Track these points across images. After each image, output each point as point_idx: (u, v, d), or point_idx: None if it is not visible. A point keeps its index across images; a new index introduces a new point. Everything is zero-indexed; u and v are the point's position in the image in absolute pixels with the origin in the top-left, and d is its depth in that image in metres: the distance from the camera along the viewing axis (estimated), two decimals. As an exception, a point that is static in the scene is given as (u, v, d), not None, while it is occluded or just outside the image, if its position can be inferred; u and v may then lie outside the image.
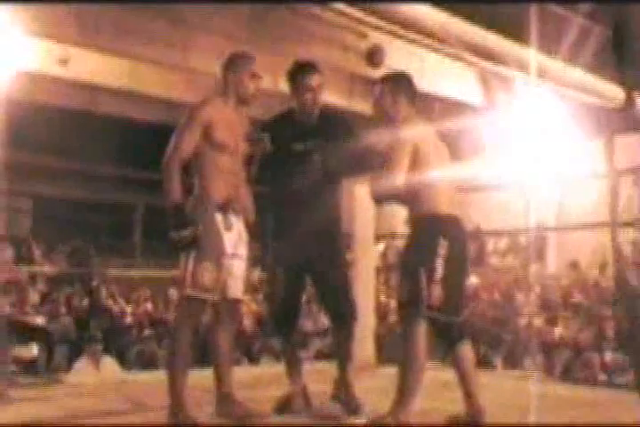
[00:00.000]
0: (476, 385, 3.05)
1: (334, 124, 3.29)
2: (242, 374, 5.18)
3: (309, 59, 3.52)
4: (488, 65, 7.20)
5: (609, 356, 6.02)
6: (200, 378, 3.29)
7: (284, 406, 3.32)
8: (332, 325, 3.42)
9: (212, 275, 2.88)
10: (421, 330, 2.91)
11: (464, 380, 3.06)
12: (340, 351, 3.41)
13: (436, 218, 2.90)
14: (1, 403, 3.51)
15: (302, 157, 3.17)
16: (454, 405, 3.22)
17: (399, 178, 2.87)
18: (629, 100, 8.26)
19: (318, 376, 4.27)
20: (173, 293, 8.38)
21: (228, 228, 2.98)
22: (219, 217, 2.98)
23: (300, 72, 3.31)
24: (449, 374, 3.24)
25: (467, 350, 3.07)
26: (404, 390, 2.94)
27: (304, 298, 3.42)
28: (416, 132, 3.03)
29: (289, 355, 3.43)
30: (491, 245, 9.55)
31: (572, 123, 8.26)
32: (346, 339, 3.35)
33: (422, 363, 2.96)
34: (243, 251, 3.06)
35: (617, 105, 8.39)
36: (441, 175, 2.96)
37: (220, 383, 3.15)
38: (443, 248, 2.83)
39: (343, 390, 3.35)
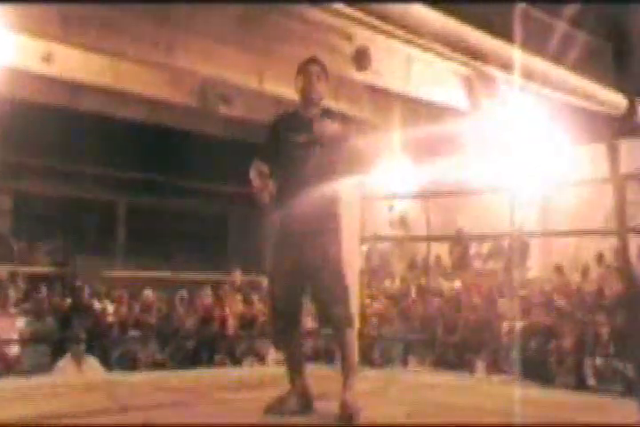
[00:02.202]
0: None
1: (334, 119, 3.32)
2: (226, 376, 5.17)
3: (314, 57, 3.48)
4: (476, 65, 7.22)
5: (598, 361, 6.05)
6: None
7: (277, 406, 3.25)
8: (332, 330, 3.24)
9: None
10: None
11: None
12: (341, 358, 3.24)
13: None
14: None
15: (303, 148, 3.20)
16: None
17: None
18: (631, 108, 8.38)
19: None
20: (148, 293, 8.35)
21: None
22: None
23: (303, 63, 3.38)
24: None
25: None
26: None
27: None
28: None
29: (290, 355, 3.35)
30: (473, 248, 9.59)
31: (562, 127, 8.32)
32: (342, 345, 3.18)
33: None
34: None
35: (619, 112, 8.51)
36: None
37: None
38: None
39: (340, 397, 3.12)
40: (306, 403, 3.29)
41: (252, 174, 3.21)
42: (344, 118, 3.43)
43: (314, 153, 3.19)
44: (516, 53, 6.83)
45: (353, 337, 3.16)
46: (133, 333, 7.25)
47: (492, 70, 7.52)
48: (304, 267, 3.15)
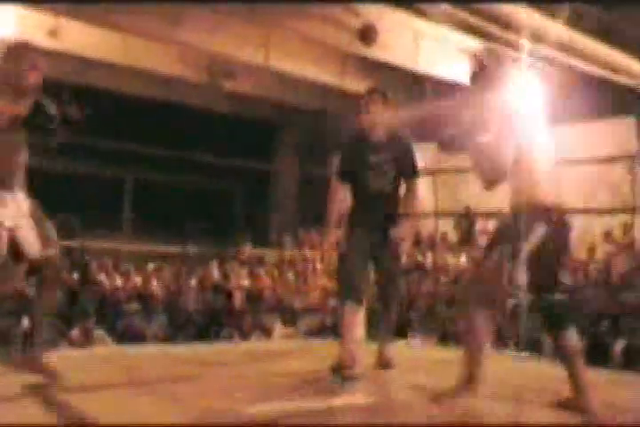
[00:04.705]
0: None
1: (399, 141, 3.98)
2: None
3: (376, 86, 4.23)
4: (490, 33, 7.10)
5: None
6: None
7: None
8: (380, 304, 4.00)
9: None
10: None
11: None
12: (381, 328, 4.05)
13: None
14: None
15: (376, 167, 3.89)
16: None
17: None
18: None
19: (308, 354, 4.33)
20: (151, 267, 8.47)
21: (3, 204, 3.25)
22: None
23: (363, 96, 3.98)
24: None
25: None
26: None
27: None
28: None
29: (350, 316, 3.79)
30: (479, 225, 9.61)
31: (586, 100, 8.14)
32: (387, 319, 4.00)
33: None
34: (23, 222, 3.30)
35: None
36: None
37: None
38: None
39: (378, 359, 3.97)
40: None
41: (329, 199, 3.99)
42: (406, 138, 4.03)
43: (386, 170, 3.89)
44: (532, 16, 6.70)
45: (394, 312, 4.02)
46: (140, 307, 7.32)
47: (500, 42, 7.44)
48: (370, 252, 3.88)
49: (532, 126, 3.16)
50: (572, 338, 2.98)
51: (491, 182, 3.07)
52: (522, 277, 2.90)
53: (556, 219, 2.97)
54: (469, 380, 3.05)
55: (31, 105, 3.27)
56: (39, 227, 3.36)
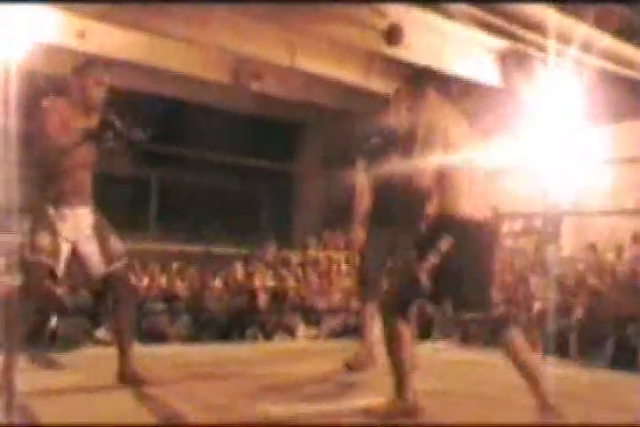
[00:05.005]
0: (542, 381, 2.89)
1: None
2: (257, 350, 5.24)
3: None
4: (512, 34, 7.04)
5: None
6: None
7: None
8: None
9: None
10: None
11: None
12: None
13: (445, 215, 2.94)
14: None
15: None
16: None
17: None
18: None
19: (330, 355, 4.32)
20: (175, 266, 8.49)
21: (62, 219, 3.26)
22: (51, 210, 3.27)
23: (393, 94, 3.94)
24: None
25: (515, 338, 2.98)
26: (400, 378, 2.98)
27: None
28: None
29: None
30: (505, 227, 9.52)
31: (606, 100, 8.04)
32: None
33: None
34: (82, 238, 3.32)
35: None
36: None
37: None
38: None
39: None
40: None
41: (355, 199, 4.17)
42: None
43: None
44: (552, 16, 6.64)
45: None
46: (164, 306, 7.35)
47: (526, 43, 7.38)
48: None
49: (459, 139, 3.06)
50: (513, 335, 2.98)
51: (408, 192, 3.06)
52: (424, 285, 2.88)
53: (470, 231, 2.92)
54: (400, 390, 2.99)
55: (100, 120, 3.30)
56: (102, 242, 3.34)
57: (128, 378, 3.38)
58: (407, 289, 2.95)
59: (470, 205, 2.96)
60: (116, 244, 3.41)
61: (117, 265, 3.35)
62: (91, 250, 3.30)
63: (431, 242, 2.89)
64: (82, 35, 7.36)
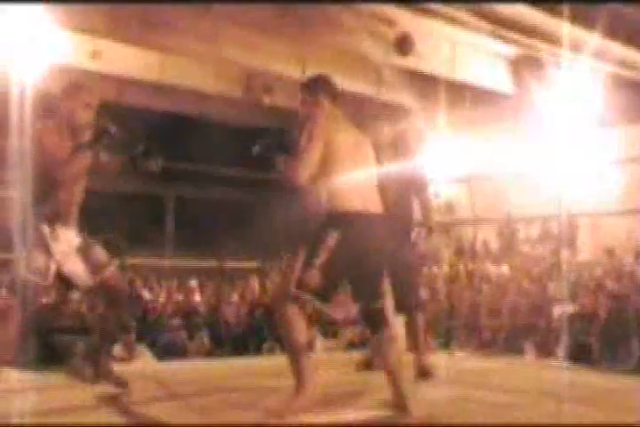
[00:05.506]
0: (401, 380, 2.96)
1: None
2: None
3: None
4: (523, 43, 7.04)
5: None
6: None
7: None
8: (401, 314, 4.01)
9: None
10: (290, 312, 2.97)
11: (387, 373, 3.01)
12: (411, 338, 4.08)
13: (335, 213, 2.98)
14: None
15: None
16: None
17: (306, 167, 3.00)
18: None
19: (348, 366, 4.30)
20: (193, 282, 8.54)
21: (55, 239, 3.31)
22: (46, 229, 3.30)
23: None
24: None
25: (389, 339, 3.04)
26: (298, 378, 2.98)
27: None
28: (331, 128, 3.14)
29: None
30: (522, 233, 9.48)
31: (618, 103, 8.02)
32: (413, 327, 4.01)
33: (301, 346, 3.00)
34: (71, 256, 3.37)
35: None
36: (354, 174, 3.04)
37: None
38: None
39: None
40: None
41: None
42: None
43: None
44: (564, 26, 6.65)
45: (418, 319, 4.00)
46: (182, 322, 7.36)
47: (538, 50, 7.38)
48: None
49: (344, 138, 3.14)
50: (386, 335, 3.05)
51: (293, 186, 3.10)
52: (314, 280, 2.92)
53: (355, 226, 2.96)
54: (300, 386, 2.96)
55: (96, 131, 3.34)
56: (87, 257, 3.40)
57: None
58: (296, 283, 2.96)
59: (360, 201, 3.01)
60: (100, 254, 3.45)
61: (105, 273, 3.39)
62: (75, 267, 3.36)
63: (320, 238, 2.94)
64: (97, 55, 7.45)
